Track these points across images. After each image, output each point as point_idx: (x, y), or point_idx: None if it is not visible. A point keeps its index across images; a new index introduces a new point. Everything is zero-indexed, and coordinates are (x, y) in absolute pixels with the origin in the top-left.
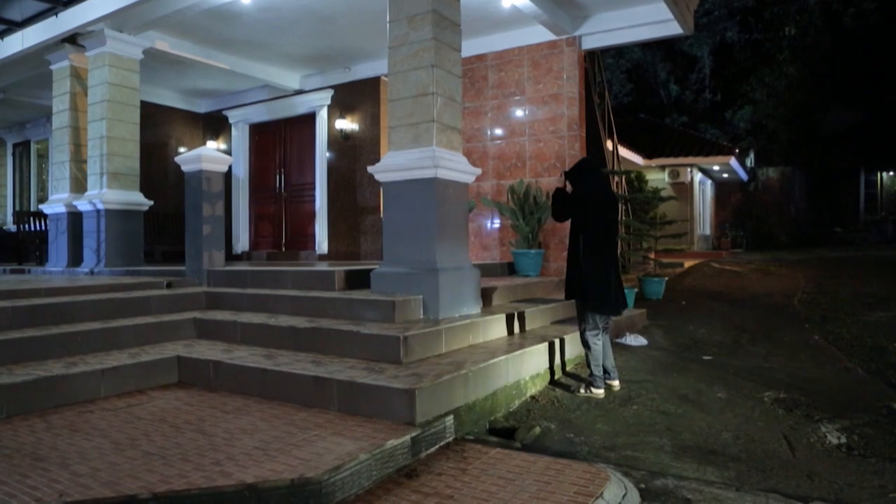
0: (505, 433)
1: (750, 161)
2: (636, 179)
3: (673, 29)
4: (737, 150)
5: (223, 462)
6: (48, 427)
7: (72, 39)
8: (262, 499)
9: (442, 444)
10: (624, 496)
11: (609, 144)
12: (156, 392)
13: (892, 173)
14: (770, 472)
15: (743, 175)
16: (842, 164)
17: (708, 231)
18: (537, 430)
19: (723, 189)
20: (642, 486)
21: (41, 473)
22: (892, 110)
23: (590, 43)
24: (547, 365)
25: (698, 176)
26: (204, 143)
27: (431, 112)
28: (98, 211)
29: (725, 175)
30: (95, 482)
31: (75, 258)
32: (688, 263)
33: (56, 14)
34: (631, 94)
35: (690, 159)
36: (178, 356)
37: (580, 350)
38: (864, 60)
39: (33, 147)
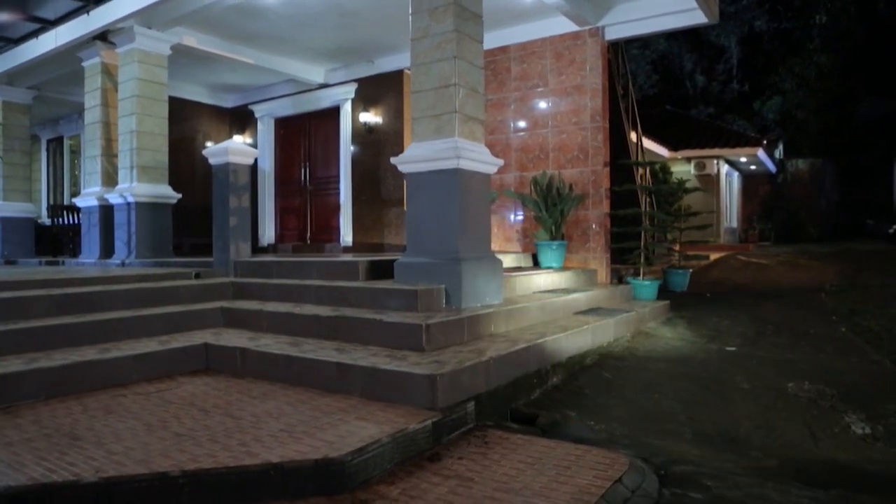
0: (526, 420)
1: (779, 153)
2: (661, 171)
3: (698, 18)
4: (765, 142)
5: (249, 443)
6: (84, 409)
7: (102, 36)
8: (287, 478)
9: (463, 429)
10: (643, 482)
11: (633, 136)
12: (185, 377)
13: None
14: (791, 460)
15: (771, 167)
16: (874, 155)
17: (735, 224)
18: (558, 417)
19: (750, 181)
20: (661, 472)
21: (78, 451)
22: None
23: (613, 33)
24: (569, 354)
25: (725, 168)
26: (230, 137)
27: (454, 103)
28: (128, 204)
29: (753, 167)
30: (129, 460)
31: (107, 250)
32: (713, 256)
33: (87, 12)
34: (656, 85)
35: (717, 151)
36: (206, 343)
37: (602, 339)
38: None
39: (66, 143)
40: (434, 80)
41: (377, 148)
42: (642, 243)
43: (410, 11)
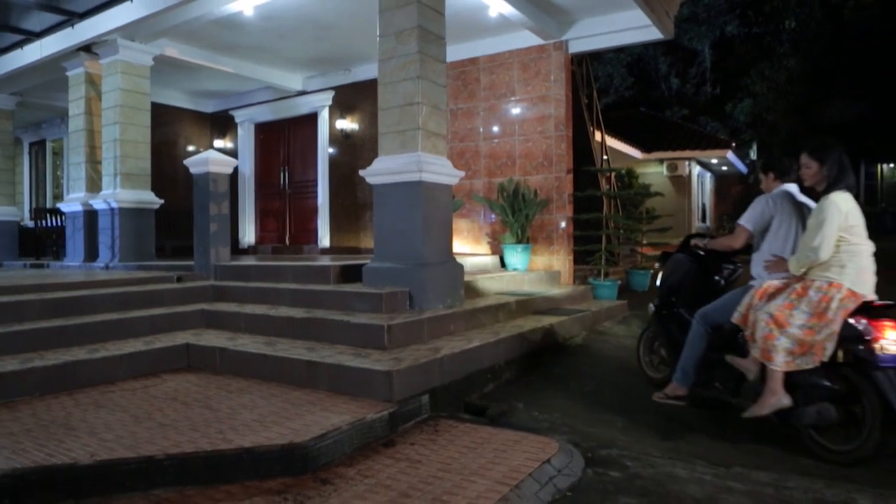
0: (477, 411)
1: (753, 154)
2: (627, 175)
3: (653, 34)
4: (733, 144)
5: (226, 431)
6: (76, 404)
7: (86, 48)
8: (258, 460)
9: (418, 419)
10: (569, 462)
11: (598, 143)
12: (168, 375)
13: (891, 165)
14: (701, 443)
15: (742, 168)
16: None
17: (708, 223)
18: (507, 408)
19: (723, 182)
20: (589, 454)
21: (74, 439)
22: (891, 103)
23: (576, 47)
24: (523, 352)
25: (697, 169)
26: (211, 142)
27: (417, 120)
28: (112, 209)
29: (724, 168)
30: (119, 446)
31: (91, 253)
32: None
33: (72, 25)
34: (632, 87)
35: (688, 153)
36: (188, 343)
37: (554, 340)
38: (864, 53)
39: (48, 146)
40: (399, 98)
41: (353, 153)
42: (603, 246)
43: (378, 34)
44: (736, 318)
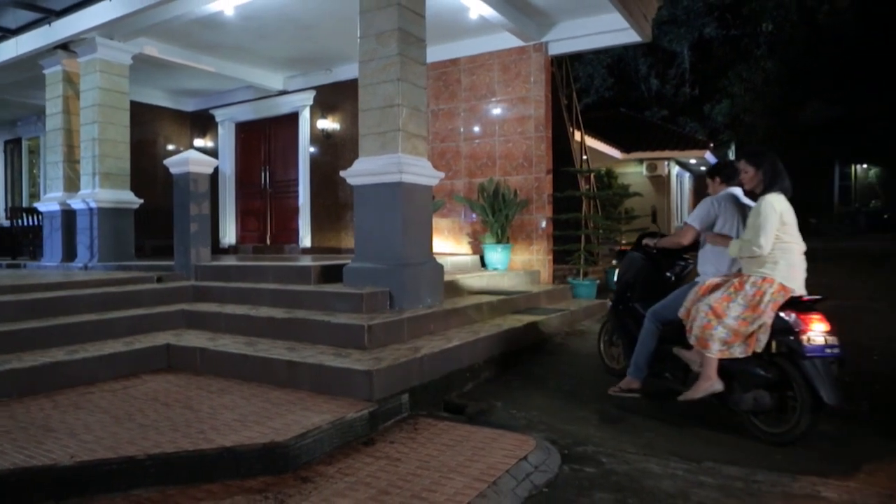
0: (456, 409)
1: (731, 154)
2: (606, 176)
3: (631, 37)
4: (711, 145)
5: (207, 431)
6: (55, 405)
7: (64, 46)
8: (239, 459)
9: (398, 417)
10: (546, 459)
11: (577, 144)
12: (148, 376)
13: (864, 166)
14: (674, 439)
15: None
16: (817, 157)
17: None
18: (485, 406)
19: (702, 181)
20: (565, 451)
21: (54, 440)
22: (865, 104)
23: (556, 49)
24: (502, 350)
25: (675, 169)
26: (191, 141)
27: (397, 122)
28: (91, 209)
29: (703, 168)
30: (100, 447)
31: (69, 253)
32: None
33: (49, 23)
34: (612, 88)
35: (667, 153)
36: (168, 344)
37: (533, 338)
38: (838, 56)
39: (24, 144)
40: (380, 100)
41: (335, 153)
42: (582, 245)
43: (359, 35)
44: (681, 313)
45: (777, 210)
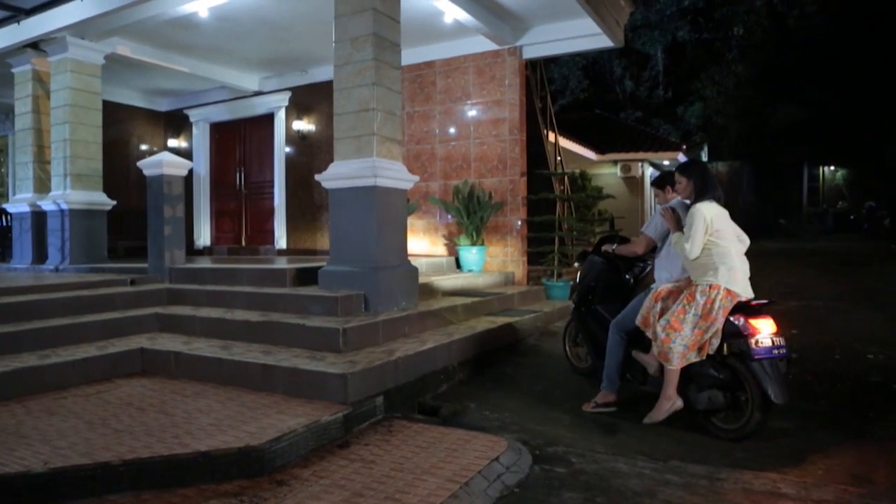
0: (431, 411)
1: (704, 155)
2: (580, 178)
3: (604, 42)
4: (684, 147)
5: (182, 436)
6: (27, 411)
7: (34, 45)
8: (214, 464)
9: (372, 420)
10: (517, 460)
11: (552, 147)
12: (122, 380)
13: (832, 168)
14: (642, 439)
15: None
16: (787, 159)
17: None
18: (459, 408)
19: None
20: (537, 452)
21: (26, 447)
22: (833, 107)
23: (530, 53)
24: (476, 352)
25: (649, 170)
26: (165, 141)
27: (372, 126)
28: (62, 211)
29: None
30: (74, 453)
31: (40, 255)
32: None
33: (18, 22)
34: (587, 89)
35: (641, 154)
36: (142, 348)
37: (507, 340)
38: (807, 60)
39: None
40: (355, 104)
41: (310, 154)
42: (556, 247)
43: (334, 39)
44: (638, 321)
45: (706, 217)
